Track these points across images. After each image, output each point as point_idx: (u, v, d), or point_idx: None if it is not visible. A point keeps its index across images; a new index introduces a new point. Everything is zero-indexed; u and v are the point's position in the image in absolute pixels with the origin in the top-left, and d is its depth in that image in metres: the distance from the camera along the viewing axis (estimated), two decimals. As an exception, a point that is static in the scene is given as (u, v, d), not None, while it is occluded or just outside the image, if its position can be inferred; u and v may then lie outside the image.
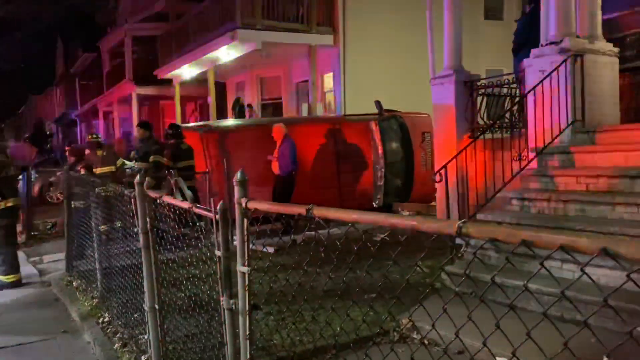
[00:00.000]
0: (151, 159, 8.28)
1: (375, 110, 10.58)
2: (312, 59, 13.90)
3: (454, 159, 6.51)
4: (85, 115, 33.74)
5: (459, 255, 5.86)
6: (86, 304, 5.80)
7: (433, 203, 9.78)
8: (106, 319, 5.20)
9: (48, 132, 40.99)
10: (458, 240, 5.60)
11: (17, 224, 7.61)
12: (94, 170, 8.51)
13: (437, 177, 6.42)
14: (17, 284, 6.94)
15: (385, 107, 10.64)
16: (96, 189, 5.79)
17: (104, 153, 9.23)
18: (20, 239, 9.56)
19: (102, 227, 5.74)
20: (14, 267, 7.01)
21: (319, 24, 13.95)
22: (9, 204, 6.90)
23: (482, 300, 1.44)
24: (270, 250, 6.56)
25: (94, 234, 5.83)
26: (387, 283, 5.39)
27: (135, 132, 8.95)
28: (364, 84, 13.31)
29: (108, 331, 4.93)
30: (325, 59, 14.21)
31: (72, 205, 7.21)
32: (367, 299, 4.80)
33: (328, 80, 14.98)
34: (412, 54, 12.82)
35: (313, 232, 2.47)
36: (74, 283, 6.69)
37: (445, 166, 6.41)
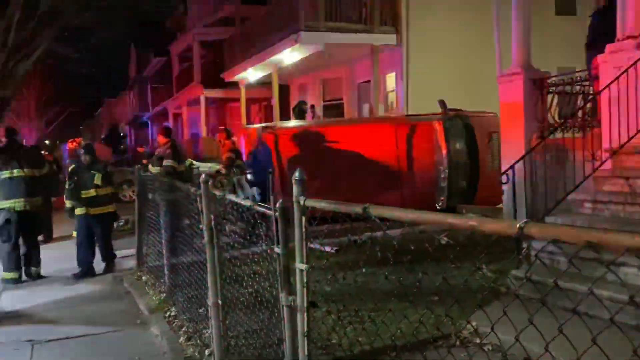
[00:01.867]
0: (164, 163, 8.41)
1: (439, 110, 10.37)
2: (375, 59, 13.83)
3: (522, 160, 6.28)
4: (156, 117, 35.20)
5: (524, 258, 5.65)
6: (154, 298, 6.04)
7: (499, 205, 9.48)
8: (172, 313, 5.39)
9: (122, 134, 43.02)
10: (524, 244, 5.40)
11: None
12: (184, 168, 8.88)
13: (504, 179, 6.23)
14: (14, 282, 7.23)
15: (449, 106, 10.40)
16: (164, 188, 6.02)
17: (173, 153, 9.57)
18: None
19: (170, 224, 5.95)
20: (11, 265, 7.30)
21: (382, 23, 13.86)
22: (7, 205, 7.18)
23: (544, 304, 1.38)
24: (329, 249, 6.59)
25: (163, 231, 6.05)
26: (448, 286, 5.28)
27: (158, 138, 9.21)
28: (427, 83, 13.10)
29: (174, 325, 5.11)
30: (387, 59, 14.10)
31: (143, 203, 7.53)
32: (427, 301, 4.72)
33: (390, 80, 14.85)
34: (478, 52, 12.49)
35: (372, 233, 2.45)
36: (143, 278, 6.98)
37: (512, 167, 6.20)
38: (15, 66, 5.94)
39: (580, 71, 7.27)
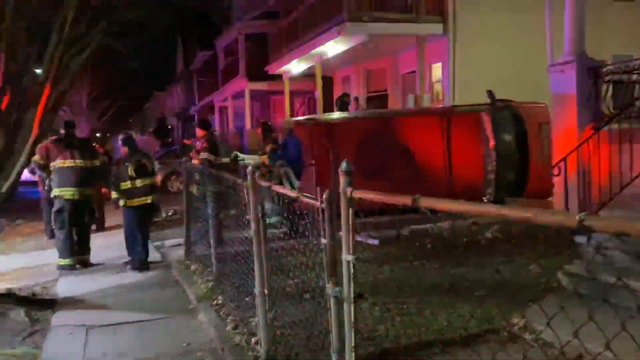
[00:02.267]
0: (201, 156, 8.44)
1: (487, 101, 10.13)
2: (420, 50, 13.63)
3: (575, 151, 6.07)
4: (202, 110, 35.82)
5: (576, 253, 5.47)
6: (202, 286, 6.17)
7: (550, 199, 9.20)
8: (220, 302, 5.49)
9: (169, 126, 44.01)
10: (577, 239, 5.23)
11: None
12: (222, 161, 9.01)
13: (556, 171, 6.04)
14: (69, 268, 7.49)
15: (498, 97, 10.14)
16: (211, 179, 6.13)
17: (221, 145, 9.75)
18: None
19: (217, 214, 6.06)
20: (65, 252, 7.57)
21: (428, 13, 13.63)
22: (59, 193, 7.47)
23: (606, 301, 1.32)
24: (374, 242, 6.55)
25: (210, 221, 6.17)
26: (496, 280, 5.17)
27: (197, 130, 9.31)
28: (475, 74, 12.81)
29: (221, 313, 5.20)
30: (433, 49, 13.86)
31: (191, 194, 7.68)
32: (475, 295, 4.64)
33: (436, 70, 14.61)
34: (528, 41, 12.11)
35: (419, 226, 2.42)
36: (191, 267, 7.14)
37: (564, 159, 6.00)
38: (69, 61, 6.14)
39: (638, 59, 6.95)
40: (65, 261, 7.62)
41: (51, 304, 6.03)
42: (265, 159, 9.01)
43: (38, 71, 6.73)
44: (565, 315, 1.79)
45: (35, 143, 6.14)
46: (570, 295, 4.63)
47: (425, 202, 1.81)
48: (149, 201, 7.52)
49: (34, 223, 11.71)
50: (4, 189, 5.90)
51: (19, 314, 5.47)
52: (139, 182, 7.40)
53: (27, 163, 6.24)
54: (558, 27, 7.38)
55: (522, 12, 12.55)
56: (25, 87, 6.21)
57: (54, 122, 7.30)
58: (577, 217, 1.24)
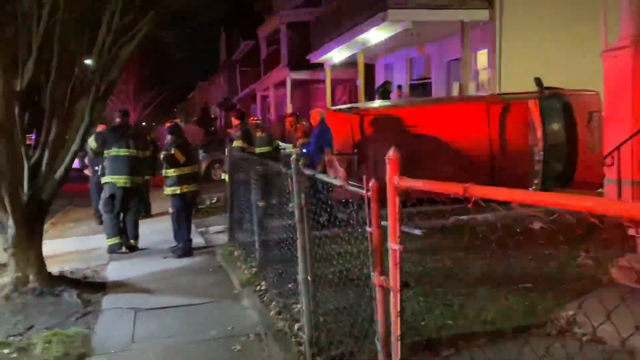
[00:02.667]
0: (233, 144, 8.64)
1: (535, 89, 9.83)
2: (465, 36, 13.33)
3: (629, 141, 5.83)
4: (244, 99, 36.19)
5: (630, 246, 5.27)
6: (245, 272, 6.27)
7: (599, 190, 8.88)
8: (263, 287, 5.57)
9: (213, 116, 44.66)
10: (631, 231, 5.03)
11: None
12: (254, 150, 9.14)
13: (608, 161, 5.81)
14: (116, 247, 7.84)
15: (546, 84, 9.82)
16: (255, 167, 6.20)
17: (263, 135, 9.88)
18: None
19: (260, 203, 6.12)
20: (111, 232, 7.91)
21: (474, -2, 13.31)
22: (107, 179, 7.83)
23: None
24: (418, 232, 6.49)
25: (253, 209, 6.24)
26: (544, 272, 5.05)
27: (232, 118, 9.47)
28: (522, 61, 12.44)
29: (264, 299, 5.28)
30: (479, 35, 13.54)
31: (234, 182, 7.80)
32: (521, 287, 4.54)
33: (482, 57, 14.27)
34: (580, 25, 11.65)
35: (464, 216, 2.37)
36: (235, 252, 7.26)
37: (618, 148, 5.77)
38: (118, 51, 6.29)
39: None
40: (113, 240, 7.95)
41: (102, 287, 6.25)
42: (297, 150, 9.08)
43: (88, 62, 6.92)
44: (617, 310, 1.73)
45: (86, 132, 6.33)
46: (622, 289, 4.48)
47: (477, 191, 1.78)
48: (193, 189, 7.67)
49: (83, 208, 12.13)
50: (57, 176, 6.12)
51: (71, 296, 5.69)
52: (186, 170, 7.57)
53: (78, 151, 6.46)
54: (613, 10, 7.07)
55: (574, -4, 12.10)
56: (76, 77, 6.39)
57: (103, 112, 7.50)
58: (642, 207, 1.18)
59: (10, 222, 5.74)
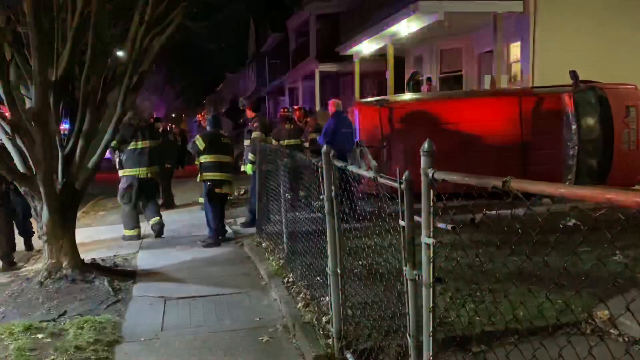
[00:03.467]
0: (253, 136, 8.71)
1: (570, 82, 9.58)
2: (498, 28, 13.04)
3: (669, 136, 5.62)
4: (273, 91, 36.27)
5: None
6: (273, 263, 6.28)
7: (636, 186, 8.64)
8: (290, 279, 5.57)
9: (241, 107, 44.90)
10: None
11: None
12: (282, 142, 9.20)
13: (647, 156, 5.61)
14: (134, 238, 8.17)
15: (582, 78, 9.56)
16: (284, 159, 6.19)
17: (292, 127, 9.90)
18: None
19: (289, 194, 6.13)
20: (130, 224, 8.25)
21: (507, -11, 12.99)
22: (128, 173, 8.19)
23: None
24: (449, 227, 6.40)
25: (282, 200, 6.25)
26: (578, 270, 4.93)
27: (246, 112, 9.57)
28: (557, 53, 12.12)
29: (292, 290, 5.28)
30: (512, 27, 13.23)
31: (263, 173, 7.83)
32: (554, 285, 4.43)
33: (515, 50, 13.95)
34: (618, 17, 11.32)
35: (496, 211, 2.32)
36: (263, 244, 7.28)
37: (657, 144, 5.57)
38: (150, 42, 6.35)
39: None
40: (131, 232, 8.24)
41: (132, 275, 6.34)
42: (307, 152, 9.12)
43: (120, 53, 7.01)
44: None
45: (118, 122, 6.42)
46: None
47: (517, 185, 1.72)
48: (218, 177, 7.79)
49: (114, 198, 12.30)
50: (90, 165, 6.22)
51: (102, 283, 5.79)
52: (208, 158, 7.76)
53: (111, 141, 6.58)
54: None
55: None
56: (109, 67, 6.48)
57: (134, 102, 7.63)
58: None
59: (45, 210, 5.86)
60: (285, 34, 31.46)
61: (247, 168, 8.73)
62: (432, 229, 2.39)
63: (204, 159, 7.77)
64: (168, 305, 5.32)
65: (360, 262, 4.35)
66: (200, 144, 7.77)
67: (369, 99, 14.21)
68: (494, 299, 3.85)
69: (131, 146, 8.17)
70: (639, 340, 3.60)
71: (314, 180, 4.52)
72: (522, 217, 2.49)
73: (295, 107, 13.19)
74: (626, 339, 3.72)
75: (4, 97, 5.43)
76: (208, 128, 8.21)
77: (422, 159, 2.41)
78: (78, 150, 6.05)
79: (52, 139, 5.86)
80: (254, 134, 8.70)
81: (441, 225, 5.80)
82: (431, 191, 2.38)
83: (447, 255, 2.63)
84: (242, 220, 9.18)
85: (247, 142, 9.07)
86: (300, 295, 5.05)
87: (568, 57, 11.39)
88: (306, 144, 9.92)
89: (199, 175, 7.89)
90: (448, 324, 3.47)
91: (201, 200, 9.88)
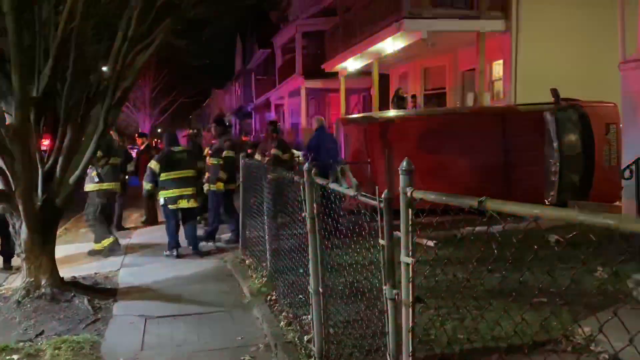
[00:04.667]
0: (224, 154, 8.79)
1: (551, 100, 9.73)
2: (481, 46, 13.25)
3: (648, 154, 5.72)
4: (259, 107, 36.35)
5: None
6: (256, 281, 6.23)
7: (617, 203, 8.73)
8: (273, 297, 5.52)
9: (227, 123, 44.88)
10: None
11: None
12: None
13: (627, 173, 5.71)
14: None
15: (563, 95, 9.72)
16: (268, 176, 6.17)
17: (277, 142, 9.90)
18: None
19: (273, 210, 6.10)
20: (104, 238, 8.32)
21: (490, 8, 13.23)
22: (104, 187, 8.37)
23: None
24: (430, 243, 6.40)
25: (265, 217, 6.22)
26: (560, 286, 4.95)
27: (212, 129, 9.67)
28: (538, 72, 12.33)
29: (275, 309, 5.23)
30: (494, 46, 13.45)
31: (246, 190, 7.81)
32: (536, 302, 4.44)
33: (497, 68, 14.18)
34: (598, 36, 11.54)
35: (477, 228, 2.32)
36: (246, 261, 7.23)
37: (637, 161, 5.67)
38: (134, 58, 6.33)
39: None
40: (98, 245, 8.29)
41: (113, 293, 6.25)
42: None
43: (104, 68, 6.98)
44: (633, 326, 1.67)
45: (100, 138, 6.36)
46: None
47: (493, 205, 1.73)
48: (177, 194, 7.96)
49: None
50: (71, 181, 6.15)
51: (82, 302, 5.69)
52: (169, 175, 7.95)
53: (93, 157, 6.52)
54: (632, 22, 6.98)
55: (591, 5, 12.00)
56: (92, 83, 6.45)
57: (117, 118, 7.60)
58: (667, 226, 1.13)
59: (24, 228, 5.77)
60: (272, 50, 31.64)
61: (219, 187, 8.67)
62: (411, 248, 2.38)
63: (160, 177, 7.92)
64: (149, 324, 5.24)
65: (342, 280, 4.33)
66: (154, 167, 7.94)
67: (354, 116, 14.31)
68: (473, 317, 3.86)
69: (102, 163, 8.41)
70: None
71: (297, 197, 4.51)
72: (497, 235, 2.49)
73: (270, 121, 13.31)
74: (606, 357, 3.72)
75: (-17, 113, 5.37)
76: (164, 146, 8.46)
77: (401, 177, 2.42)
78: (59, 167, 5.98)
79: (33, 155, 5.78)
80: (273, 151, 8.87)
81: (424, 241, 5.77)
82: (410, 210, 2.38)
83: (425, 275, 2.62)
84: (227, 236, 9.12)
85: (213, 161, 9.00)
86: (283, 313, 5.01)
87: (549, 75, 11.58)
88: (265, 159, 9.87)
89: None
90: (428, 342, 3.45)
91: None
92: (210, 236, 8.80)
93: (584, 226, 1.40)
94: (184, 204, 7.89)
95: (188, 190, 7.93)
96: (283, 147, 9.49)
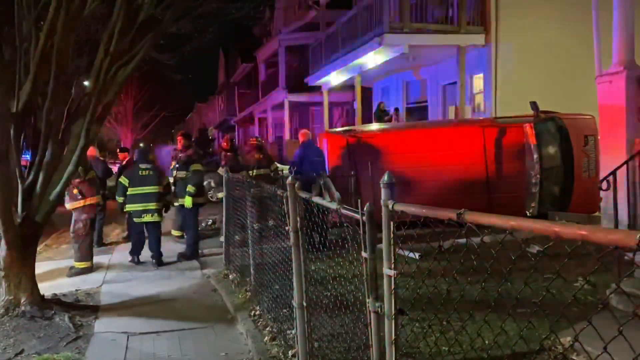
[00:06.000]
0: (192, 167, 8.92)
1: (531, 113, 9.90)
2: (461, 60, 13.45)
3: (624, 165, 5.83)
4: (242, 121, 36.33)
5: (627, 271, 5.23)
6: (240, 296, 6.20)
7: (596, 213, 8.86)
8: (257, 312, 5.50)
9: (210, 137, 44.80)
10: (630, 255, 5.00)
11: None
12: (250, 172, 9.18)
13: (604, 185, 5.80)
14: (87, 271, 8.06)
15: (542, 108, 9.90)
16: (251, 190, 6.17)
17: (262, 156, 9.91)
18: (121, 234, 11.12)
19: (256, 225, 6.09)
20: (88, 256, 8.21)
21: (470, 23, 13.46)
22: (89, 202, 8.30)
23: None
24: (414, 255, 6.44)
25: (249, 232, 6.20)
26: (542, 297, 5.00)
27: (178, 142, 9.73)
28: (518, 85, 12.55)
29: (259, 324, 5.21)
30: (474, 60, 13.67)
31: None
32: (519, 313, 4.49)
33: (478, 81, 14.39)
34: (575, 51, 11.80)
35: (462, 240, 2.35)
36: (230, 276, 7.19)
37: (613, 173, 5.77)
38: (116, 73, 6.31)
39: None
40: (83, 264, 8.17)
41: (94, 310, 6.17)
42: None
43: (86, 83, 6.95)
44: (612, 336, 1.71)
45: (82, 152, 6.31)
46: (621, 315, 4.43)
47: (471, 217, 1.76)
48: (141, 208, 8.41)
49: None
50: (52, 197, 6.08)
51: (63, 320, 5.61)
52: (134, 190, 8.40)
53: (74, 172, 6.45)
54: (607, 36, 7.15)
55: (568, 21, 12.27)
56: (72, 99, 6.41)
57: (98, 133, 7.55)
58: (637, 237, 1.17)
59: (3, 244, 5.69)
60: (255, 64, 31.75)
61: (187, 201, 8.64)
62: (393, 261, 2.41)
63: (127, 192, 8.46)
64: (131, 340, 5.17)
65: (327, 293, 4.33)
66: (123, 181, 8.53)
67: (337, 129, 14.39)
68: (455, 329, 3.88)
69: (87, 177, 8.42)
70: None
71: (280, 211, 4.51)
72: (479, 246, 2.53)
73: (226, 136, 13.43)
74: (587, 366, 3.77)
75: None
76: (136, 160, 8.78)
77: (382, 191, 2.44)
78: (39, 183, 5.91)
79: (12, 170, 5.71)
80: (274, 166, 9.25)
81: (409, 254, 5.82)
82: (391, 223, 2.40)
83: (407, 287, 2.64)
84: (210, 251, 9.07)
85: (182, 174, 8.99)
86: (267, 328, 4.98)
87: (528, 88, 11.80)
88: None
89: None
90: (411, 354, 3.47)
91: (175, 232, 9.85)
92: (194, 252, 8.76)
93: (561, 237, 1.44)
94: (148, 218, 8.40)
95: (152, 205, 8.38)
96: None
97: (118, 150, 14.43)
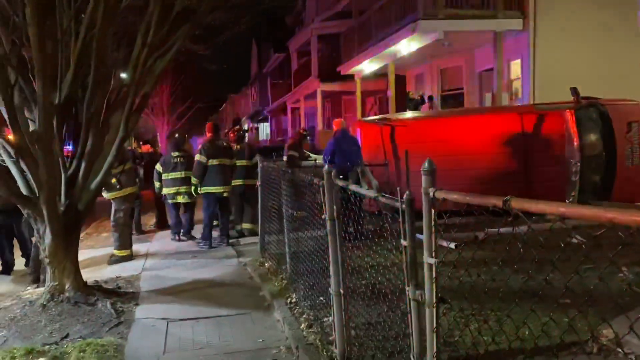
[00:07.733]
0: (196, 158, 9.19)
1: (571, 99, 9.60)
2: (498, 46, 13.16)
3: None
4: (275, 111, 36.50)
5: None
6: (276, 284, 6.24)
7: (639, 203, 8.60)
8: (293, 300, 5.53)
9: (246, 127, 45.16)
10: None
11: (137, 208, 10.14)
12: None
13: (649, 172, 5.60)
14: (127, 259, 8.33)
15: (583, 94, 9.59)
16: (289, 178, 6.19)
17: (240, 148, 9.93)
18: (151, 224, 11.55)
19: (299, 213, 6.09)
20: (128, 244, 8.49)
21: (507, 8, 13.13)
22: (127, 192, 8.54)
23: None
24: (452, 245, 6.35)
25: (284, 220, 6.23)
26: (583, 288, 4.88)
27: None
28: (557, 70, 12.20)
29: (295, 311, 5.24)
30: (512, 45, 13.35)
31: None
32: (560, 303, 4.39)
33: (515, 67, 14.05)
34: (618, 34, 11.40)
35: (504, 229, 2.29)
36: (266, 264, 7.25)
37: (659, 159, 5.56)
38: (153, 64, 6.40)
39: None
40: (123, 252, 8.36)
41: (135, 296, 6.31)
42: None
43: (124, 75, 7.07)
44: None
45: (121, 143, 6.44)
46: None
47: (518, 204, 1.71)
48: (173, 191, 9.51)
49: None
50: (93, 186, 6.24)
51: (105, 306, 5.76)
52: (167, 175, 9.55)
53: (114, 162, 6.60)
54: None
55: (611, 3, 11.83)
56: (112, 90, 6.54)
57: (137, 124, 7.68)
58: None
59: (48, 232, 5.86)
60: (287, 54, 31.79)
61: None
62: (434, 249, 2.37)
63: (163, 177, 9.66)
64: (171, 326, 5.28)
65: (364, 282, 4.32)
66: (158, 168, 9.74)
67: (371, 118, 14.30)
68: (498, 318, 3.83)
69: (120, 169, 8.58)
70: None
71: (316, 199, 4.51)
72: (524, 235, 2.47)
73: (234, 128, 13.55)
74: (632, 358, 3.66)
75: (8, 120, 5.46)
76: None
77: (423, 178, 2.41)
78: (81, 172, 6.06)
79: (56, 161, 5.88)
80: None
81: (444, 243, 5.78)
82: (432, 211, 2.37)
83: (449, 275, 2.61)
84: (246, 240, 9.17)
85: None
86: (304, 316, 5.01)
87: (568, 73, 11.46)
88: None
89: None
90: (452, 344, 3.43)
91: (245, 226, 10.08)
92: (223, 233, 9.19)
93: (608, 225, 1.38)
94: (180, 199, 9.55)
95: (183, 189, 9.42)
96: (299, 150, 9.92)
97: (141, 142, 14.69)
